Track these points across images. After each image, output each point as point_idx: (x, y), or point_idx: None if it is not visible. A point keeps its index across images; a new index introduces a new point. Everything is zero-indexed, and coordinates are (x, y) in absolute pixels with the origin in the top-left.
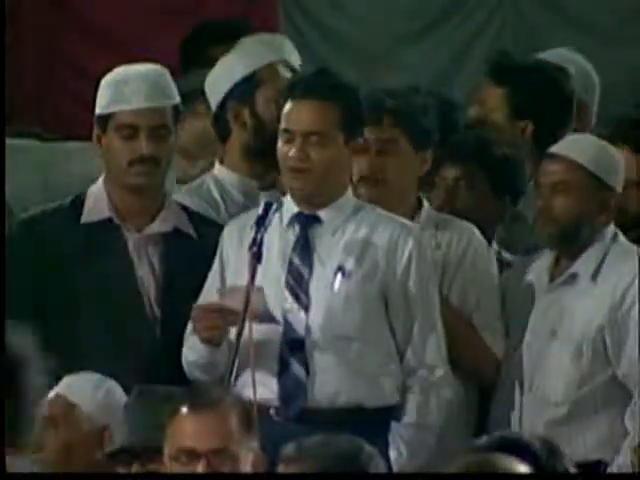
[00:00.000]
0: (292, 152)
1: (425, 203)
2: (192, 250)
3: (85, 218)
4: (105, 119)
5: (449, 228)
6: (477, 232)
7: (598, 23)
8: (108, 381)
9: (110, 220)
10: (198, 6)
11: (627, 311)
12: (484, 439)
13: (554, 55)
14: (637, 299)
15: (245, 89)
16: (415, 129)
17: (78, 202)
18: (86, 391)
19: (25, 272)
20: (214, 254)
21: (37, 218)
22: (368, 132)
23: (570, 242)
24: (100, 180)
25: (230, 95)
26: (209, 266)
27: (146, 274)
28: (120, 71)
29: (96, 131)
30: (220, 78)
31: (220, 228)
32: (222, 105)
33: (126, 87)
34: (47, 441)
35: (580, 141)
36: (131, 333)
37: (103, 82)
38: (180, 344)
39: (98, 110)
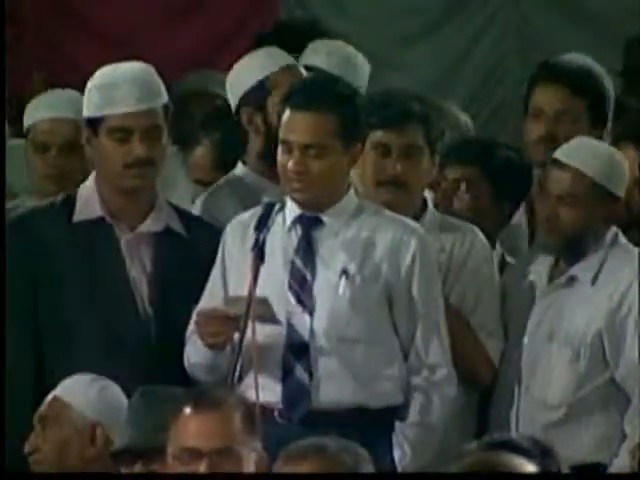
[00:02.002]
0: (291, 164)
1: (430, 205)
2: (183, 249)
3: (77, 217)
4: (96, 122)
5: (453, 230)
6: (480, 235)
7: (600, 23)
8: (102, 380)
9: (102, 219)
10: (199, 6)
11: (625, 315)
12: (475, 443)
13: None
14: (636, 302)
15: (258, 95)
16: (433, 134)
17: (70, 201)
18: (79, 390)
19: (16, 271)
20: (206, 253)
21: (27, 216)
22: (391, 136)
23: (573, 250)
24: (91, 179)
25: (244, 100)
26: (201, 265)
27: (138, 273)
28: (108, 73)
29: (86, 133)
30: (235, 82)
31: (210, 228)
32: (237, 110)
33: (116, 90)
34: (43, 442)
35: (586, 148)
36: (124, 332)
37: (90, 84)
38: (173, 343)
39: (87, 113)
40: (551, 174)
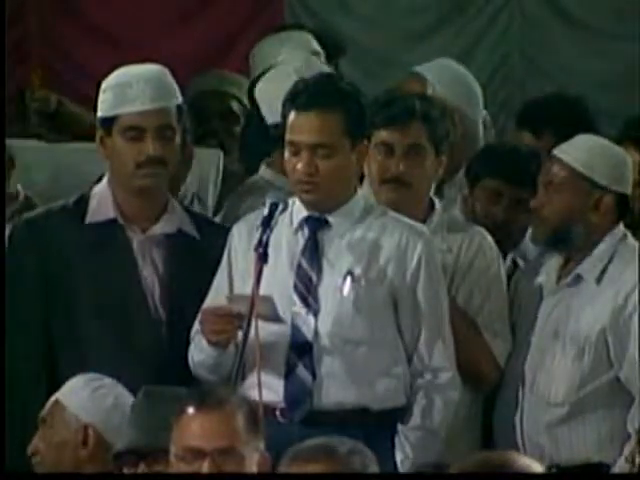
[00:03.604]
0: (300, 165)
1: (437, 205)
2: (196, 251)
3: (90, 218)
4: (109, 121)
5: (461, 231)
6: (488, 236)
7: (600, 22)
8: (99, 381)
9: (115, 221)
10: (203, 7)
11: (630, 314)
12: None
13: (432, 65)
14: None
15: None
16: (438, 134)
17: (82, 202)
18: (73, 392)
19: (30, 272)
20: (217, 255)
21: (41, 217)
22: (395, 135)
23: (563, 242)
24: (104, 180)
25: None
26: (213, 267)
27: (150, 275)
28: (122, 73)
29: (100, 133)
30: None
31: (222, 230)
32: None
33: (130, 89)
34: (42, 443)
35: (578, 142)
36: (136, 334)
37: (105, 85)
38: (185, 344)
39: (101, 113)
40: (543, 168)
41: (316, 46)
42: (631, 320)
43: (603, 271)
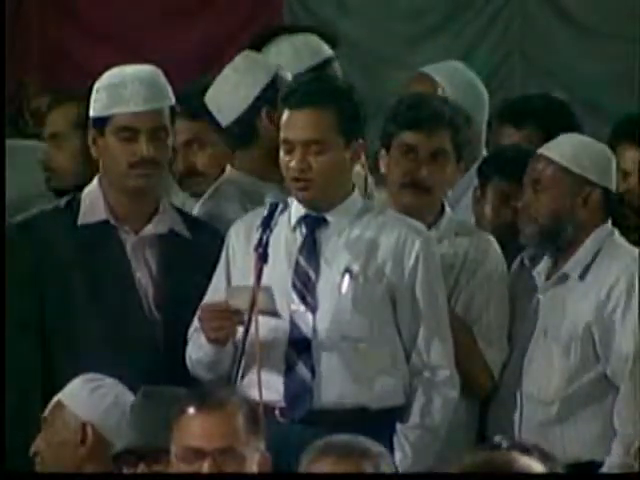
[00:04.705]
0: (293, 163)
1: (447, 209)
2: (188, 251)
3: (82, 220)
4: (102, 121)
5: (468, 236)
6: (495, 244)
7: (600, 22)
8: (99, 380)
9: (107, 222)
10: (202, 6)
11: (614, 309)
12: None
13: (442, 67)
14: (623, 296)
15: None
16: (461, 140)
17: (74, 203)
18: (73, 391)
19: (22, 274)
20: (209, 255)
21: (35, 219)
22: (421, 138)
23: (553, 239)
24: (95, 181)
25: (259, 100)
26: (205, 267)
27: (144, 275)
28: (115, 73)
29: (92, 133)
30: (241, 84)
31: (213, 230)
32: (249, 111)
33: (124, 90)
34: (43, 443)
35: (563, 139)
36: (130, 334)
37: (98, 84)
38: (180, 344)
39: (94, 112)
40: (529, 167)
41: (326, 49)
42: (615, 314)
43: (587, 268)
